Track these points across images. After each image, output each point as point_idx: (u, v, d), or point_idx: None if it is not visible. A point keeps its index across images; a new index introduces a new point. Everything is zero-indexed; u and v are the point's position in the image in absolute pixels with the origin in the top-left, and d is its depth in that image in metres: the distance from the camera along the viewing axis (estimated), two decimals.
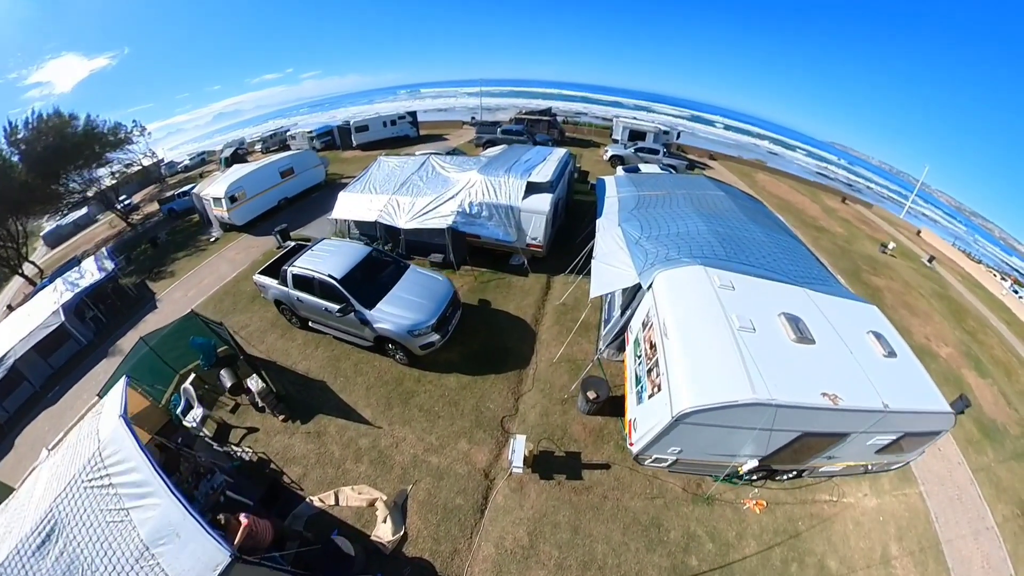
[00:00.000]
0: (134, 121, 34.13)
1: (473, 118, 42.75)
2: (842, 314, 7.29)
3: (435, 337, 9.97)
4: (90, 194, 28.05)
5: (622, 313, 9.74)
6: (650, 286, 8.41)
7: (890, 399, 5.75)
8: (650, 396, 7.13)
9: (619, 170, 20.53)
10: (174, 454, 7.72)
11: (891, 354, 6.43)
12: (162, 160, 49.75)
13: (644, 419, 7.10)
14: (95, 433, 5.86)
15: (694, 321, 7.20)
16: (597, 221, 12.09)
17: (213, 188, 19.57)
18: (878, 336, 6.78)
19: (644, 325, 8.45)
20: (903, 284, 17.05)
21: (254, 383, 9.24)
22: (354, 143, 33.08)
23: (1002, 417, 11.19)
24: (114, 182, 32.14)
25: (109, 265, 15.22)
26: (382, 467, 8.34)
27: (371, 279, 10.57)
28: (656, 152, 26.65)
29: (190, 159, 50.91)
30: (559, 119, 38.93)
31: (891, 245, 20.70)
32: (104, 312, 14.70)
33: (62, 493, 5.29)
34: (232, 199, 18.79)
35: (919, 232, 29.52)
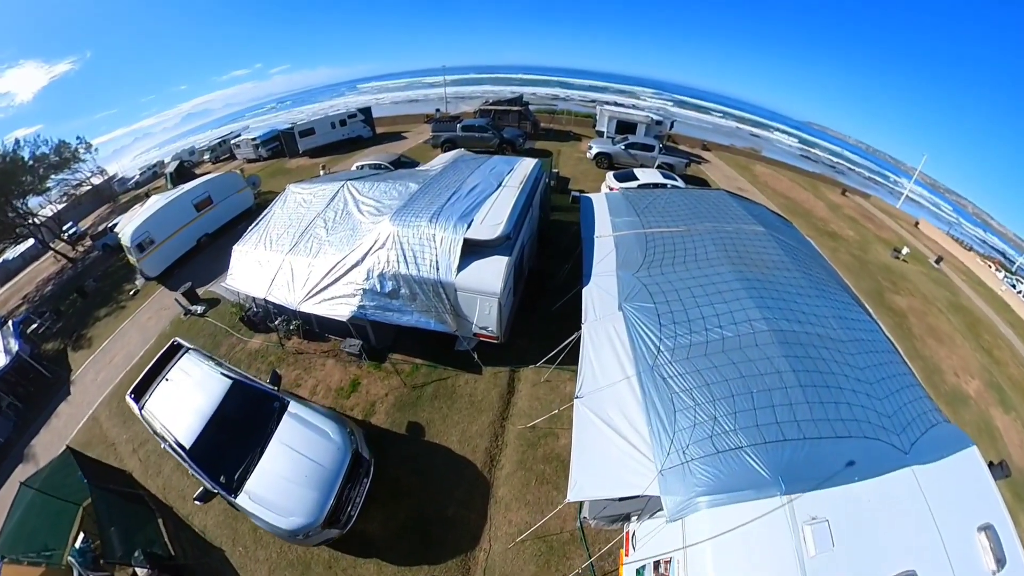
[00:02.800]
0: (78, 138, 29.91)
1: (437, 110, 36.22)
2: (949, 496, 4.76)
3: (332, 533, 6.48)
4: (38, 222, 24.09)
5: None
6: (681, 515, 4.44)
7: None
8: None
9: (609, 177, 15.77)
10: None
11: (1000, 561, 4.36)
12: (114, 176, 44.70)
13: None
14: None
15: None
16: (584, 290, 7.38)
17: (125, 230, 14.97)
18: (989, 533, 4.56)
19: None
20: (922, 300, 15.54)
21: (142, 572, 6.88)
22: (300, 150, 27.23)
23: None
24: (56, 210, 27.80)
25: (14, 346, 12.72)
26: None
27: (236, 436, 7.03)
28: (651, 148, 20.95)
29: (141, 173, 43.60)
30: (532, 108, 32.75)
31: (904, 250, 19.18)
32: (20, 398, 12.37)
33: None
34: (140, 247, 14.39)
35: (917, 223, 27.75)
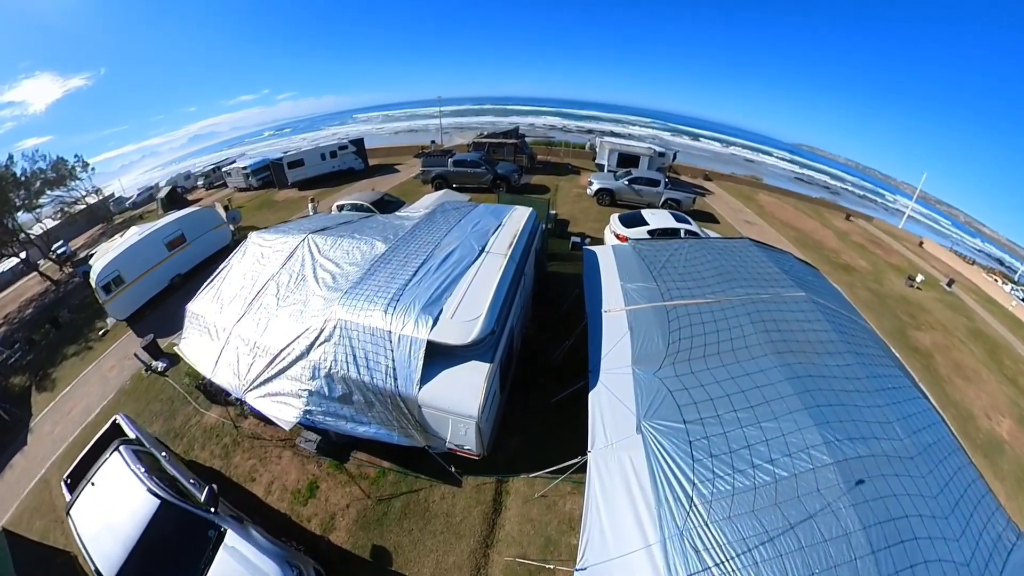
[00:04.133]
0: (76, 155, 29.64)
1: (432, 142, 34.67)
2: None
3: None
4: (29, 238, 23.43)
5: None
6: None
7: None
8: None
9: (614, 221, 13.83)
10: None
11: None
12: (110, 196, 42.72)
13: None
14: None
15: None
16: (591, 393, 5.74)
17: (95, 267, 13.57)
18: None
19: None
20: (943, 333, 14.78)
21: None
22: (289, 181, 25.89)
23: None
24: (46, 228, 27.19)
25: None
26: None
27: (164, 571, 5.64)
28: (656, 183, 19.20)
29: (138, 194, 42.38)
30: (528, 140, 30.92)
31: (919, 278, 18.26)
32: None
33: None
34: (106, 289, 12.94)
35: (921, 243, 27.19)
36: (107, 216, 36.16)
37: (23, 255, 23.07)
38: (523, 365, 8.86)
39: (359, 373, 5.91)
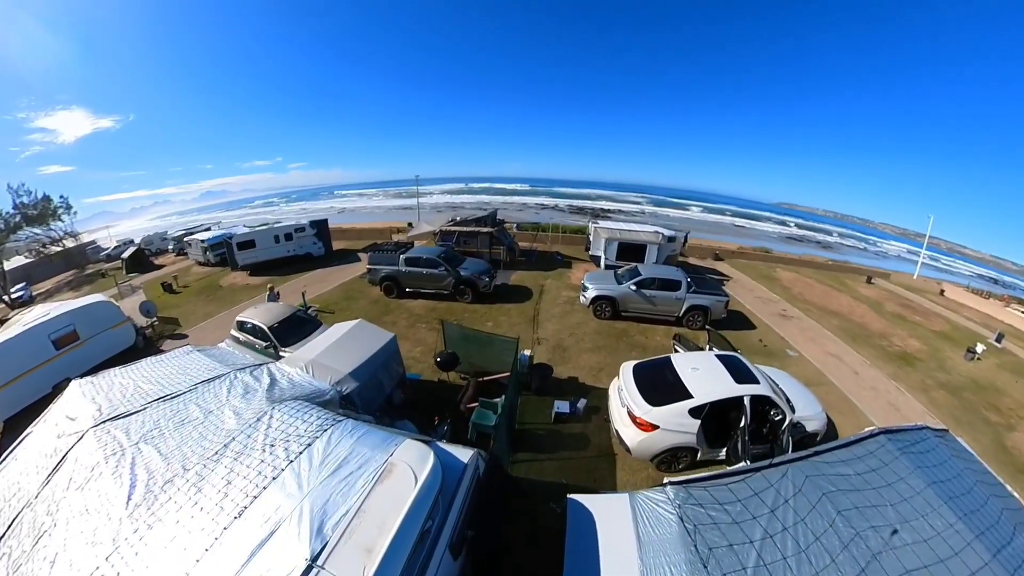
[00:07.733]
0: (61, 196, 29.95)
1: (410, 224, 31.29)
2: None
3: None
4: None
5: None
6: None
7: None
8: None
9: (627, 381, 7.93)
10: None
11: None
12: (90, 243, 43.18)
13: None
14: None
15: None
16: None
17: None
18: None
19: None
20: None
21: None
22: (239, 263, 22.51)
23: None
24: (4, 269, 26.12)
25: None
26: None
27: None
28: (675, 286, 13.70)
29: (114, 247, 40.17)
30: (509, 225, 27.34)
31: (979, 348, 16.07)
32: None
33: None
34: None
35: (942, 291, 26.62)
36: (81, 263, 34.96)
37: None
38: None
39: None
